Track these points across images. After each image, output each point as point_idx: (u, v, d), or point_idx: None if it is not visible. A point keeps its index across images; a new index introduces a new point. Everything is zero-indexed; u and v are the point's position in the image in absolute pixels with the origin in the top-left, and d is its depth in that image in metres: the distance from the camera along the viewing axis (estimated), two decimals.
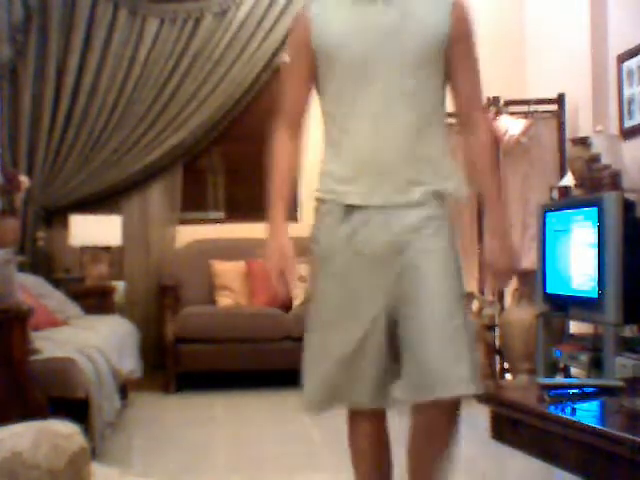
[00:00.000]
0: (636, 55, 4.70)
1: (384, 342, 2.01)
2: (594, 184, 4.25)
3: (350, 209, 2.03)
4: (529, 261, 5.34)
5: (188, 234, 5.85)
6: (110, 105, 5.65)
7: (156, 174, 5.82)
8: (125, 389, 4.51)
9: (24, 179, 5.32)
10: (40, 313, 3.75)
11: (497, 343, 5.30)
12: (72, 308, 4.64)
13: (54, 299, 4.48)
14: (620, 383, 3.18)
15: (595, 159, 4.38)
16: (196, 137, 5.82)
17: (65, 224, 5.40)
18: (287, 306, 5.35)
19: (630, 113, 4.77)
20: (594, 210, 3.89)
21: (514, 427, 3.40)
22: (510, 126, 5.38)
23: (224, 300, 5.38)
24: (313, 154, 6.24)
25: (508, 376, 5.22)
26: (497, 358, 5.34)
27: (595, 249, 3.87)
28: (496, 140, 5.53)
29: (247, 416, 4.48)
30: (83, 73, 5.61)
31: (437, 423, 2.07)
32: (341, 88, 2.04)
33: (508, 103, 5.50)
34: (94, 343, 3.65)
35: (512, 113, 5.46)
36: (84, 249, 5.37)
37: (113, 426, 3.66)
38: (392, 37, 1.95)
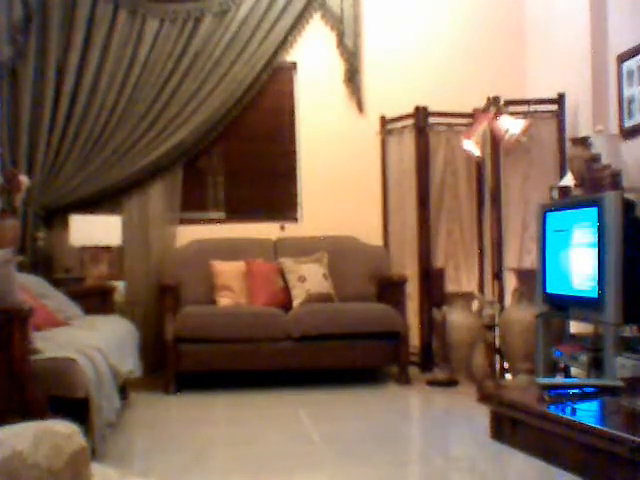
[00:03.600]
0: (636, 55, 4.70)
1: None
2: (594, 184, 4.25)
3: None
4: (529, 261, 5.35)
5: (188, 234, 5.85)
6: (110, 105, 5.65)
7: (156, 174, 5.82)
8: (125, 389, 4.51)
9: (24, 179, 5.32)
10: (40, 313, 3.75)
11: (497, 343, 5.31)
12: (72, 308, 4.64)
13: (54, 299, 4.48)
14: (620, 383, 3.18)
15: (595, 159, 4.38)
16: (196, 137, 5.82)
17: (65, 224, 5.40)
18: (287, 306, 5.35)
19: (630, 113, 4.77)
20: (594, 210, 3.89)
21: (514, 427, 3.40)
22: (510, 126, 5.38)
23: (224, 300, 5.38)
24: (309, 155, 6.22)
25: (508, 376, 5.23)
26: (497, 358, 5.34)
27: (595, 249, 3.87)
28: (496, 140, 5.54)
29: (247, 416, 4.48)
30: (83, 73, 5.61)
31: None
32: None
33: (508, 103, 5.51)
34: (94, 343, 3.64)
35: (512, 113, 5.47)
36: (84, 249, 5.37)
37: (113, 426, 3.65)
38: None
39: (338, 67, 6.06)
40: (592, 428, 2.72)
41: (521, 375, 4.96)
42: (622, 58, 4.84)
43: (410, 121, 5.84)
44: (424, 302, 5.69)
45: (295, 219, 6.11)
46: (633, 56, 4.72)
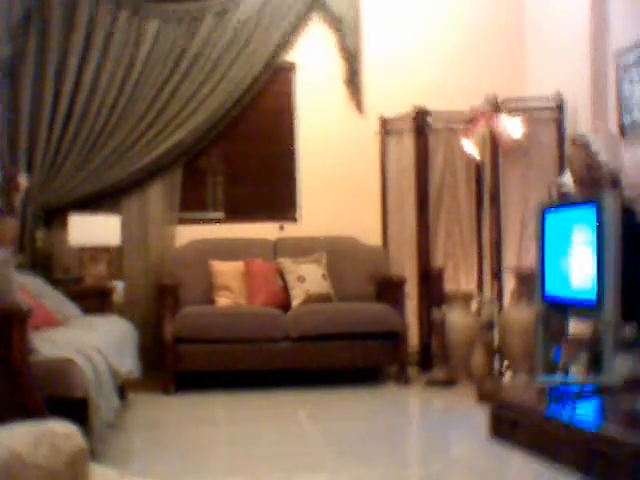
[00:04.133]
0: (635, 53, 4.70)
1: None
2: (593, 183, 4.26)
3: None
4: (528, 261, 5.35)
5: (187, 234, 5.85)
6: (109, 105, 5.64)
7: (155, 174, 5.82)
8: (124, 389, 4.51)
9: (23, 179, 5.32)
10: (39, 313, 3.75)
11: (496, 343, 5.31)
12: (71, 308, 4.64)
13: (53, 299, 4.47)
14: (619, 382, 3.19)
15: (594, 158, 4.38)
16: (195, 137, 5.81)
17: (64, 224, 5.39)
18: (286, 306, 5.35)
19: (629, 111, 4.77)
20: (593, 209, 3.90)
21: (513, 426, 3.40)
22: (509, 125, 5.38)
23: (223, 300, 5.38)
24: (308, 156, 6.22)
25: (507, 376, 5.23)
26: (496, 358, 5.34)
27: (594, 248, 3.87)
28: (495, 140, 5.54)
29: (246, 416, 4.48)
30: (83, 73, 5.60)
31: None
32: None
33: (507, 102, 5.51)
34: (93, 343, 3.64)
35: (511, 112, 5.47)
36: (83, 249, 5.36)
37: (112, 426, 3.65)
38: None
39: (338, 67, 6.06)
40: (592, 428, 2.72)
41: (520, 375, 4.96)
42: (621, 56, 4.84)
43: (409, 121, 5.84)
44: (423, 302, 5.69)
45: (294, 219, 6.10)
46: (632, 54, 4.72)
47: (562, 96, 5.47)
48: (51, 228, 5.63)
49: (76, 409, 3.06)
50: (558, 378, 4.23)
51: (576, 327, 4.68)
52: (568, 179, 4.65)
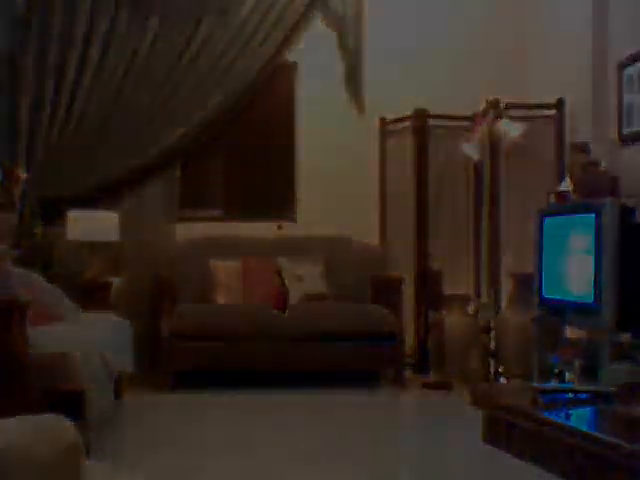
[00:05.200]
0: (637, 62, 4.71)
1: None
2: (592, 189, 4.26)
3: None
4: (526, 265, 5.35)
5: (186, 232, 5.85)
6: (110, 100, 5.64)
7: (155, 171, 5.81)
8: (120, 386, 4.51)
9: (22, 173, 5.31)
10: (36, 308, 3.74)
11: (492, 346, 5.31)
12: (68, 303, 4.63)
13: (50, 294, 4.47)
14: (614, 389, 3.19)
15: (594, 165, 4.39)
16: (195, 135, 5.81)
17: (63, 219, 5.39)
18: (283, 305, 5.34)
19: (629, 119, 4.78)
20: (592, 216, 3.90)
21: (508, 431, 3.40)
22: (509, 130, 5.38)
23: (220, 298, 5.38)
24: (308, 155, 6.20)
25: (503, 380, 5.23)
26: (492, 361, 5.34)
27: (592, 254, 3.88)
28: (495, 143, 5.54)
29: (242, 416, 4.48)
30: (83, 68, 5.60)
31: None
32: None
33: (508, 106, 5.51)
34: (89, 339, 3.64)
35: (512, 117, 5.47)
36: (82, 244, 5.36)
37: (108, 422, 3.65)
38: None
39: (339, 67, 6.06)
40: (586, 433, 2.72)
41: (516, 379, 4.96)
42: (623, 64, 4.85)
43: (410, 123, 5.84)
44: (420, 304, 5.69)
45: (293, 219, 6.10)
46: (634, 63, 4.73)
47: (563, 102, 5.48)
48: (50, 223, 5.62)
49: (72, 403, 3.06)
50: (553, 383, 4.23)
51: (573, 332, 4.69)
52: (567, 185, 4.66)
